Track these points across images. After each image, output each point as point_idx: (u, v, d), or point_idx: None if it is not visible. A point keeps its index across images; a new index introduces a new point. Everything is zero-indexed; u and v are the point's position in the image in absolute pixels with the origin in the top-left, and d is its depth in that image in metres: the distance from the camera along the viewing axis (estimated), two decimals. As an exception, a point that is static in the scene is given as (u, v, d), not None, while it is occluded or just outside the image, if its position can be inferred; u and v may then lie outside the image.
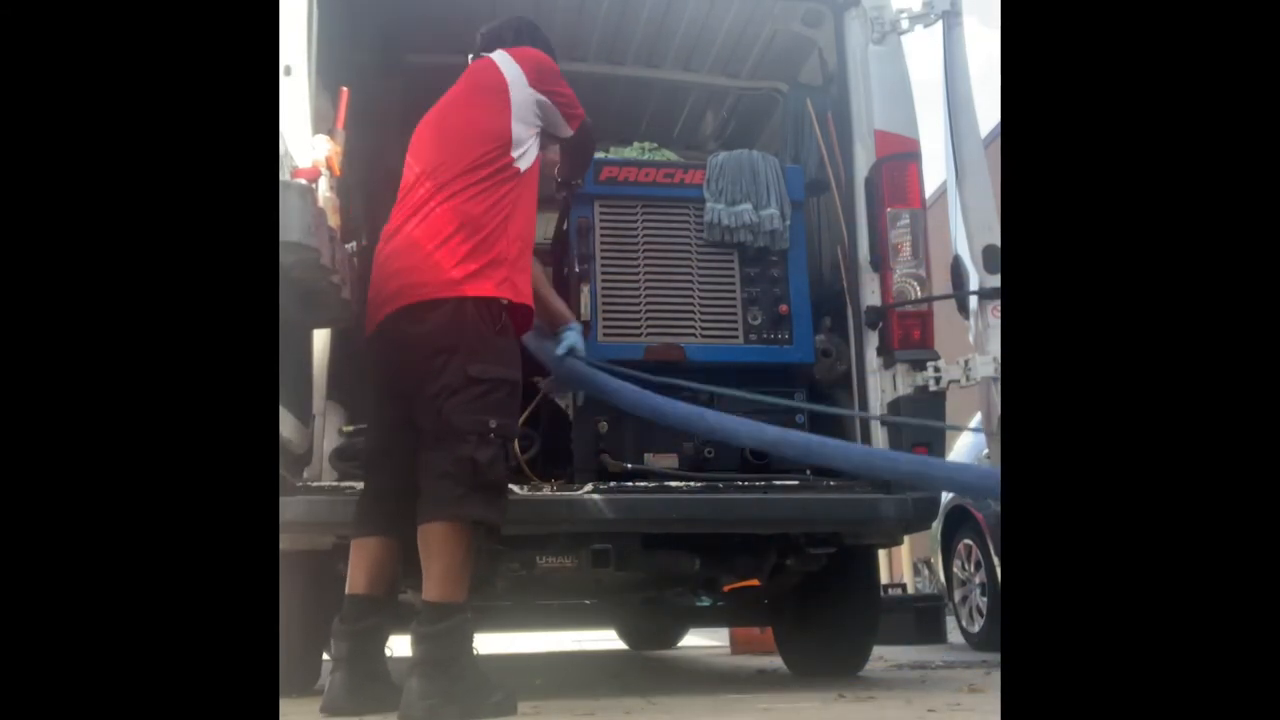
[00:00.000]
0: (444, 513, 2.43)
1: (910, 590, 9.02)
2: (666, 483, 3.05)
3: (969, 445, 5.82)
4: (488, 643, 6.44)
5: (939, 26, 3.27)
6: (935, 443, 3.13)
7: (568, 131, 2.89)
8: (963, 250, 3.16)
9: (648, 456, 3.19)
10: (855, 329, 3.30)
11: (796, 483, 3.20)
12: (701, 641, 6.85)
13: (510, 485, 2.93)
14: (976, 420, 5.39)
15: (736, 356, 3.39)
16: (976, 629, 5.61)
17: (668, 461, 3.21)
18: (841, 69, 3.41)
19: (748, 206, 3.41)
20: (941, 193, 4.96)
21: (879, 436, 3.16)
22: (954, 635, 6.33)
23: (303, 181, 2.47)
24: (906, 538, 3.71)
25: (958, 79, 3.23)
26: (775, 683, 3.66)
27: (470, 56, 2.98)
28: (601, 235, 3.35)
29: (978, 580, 5.61)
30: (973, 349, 3.09)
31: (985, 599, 5.48)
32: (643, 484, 3.04)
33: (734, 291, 3.43)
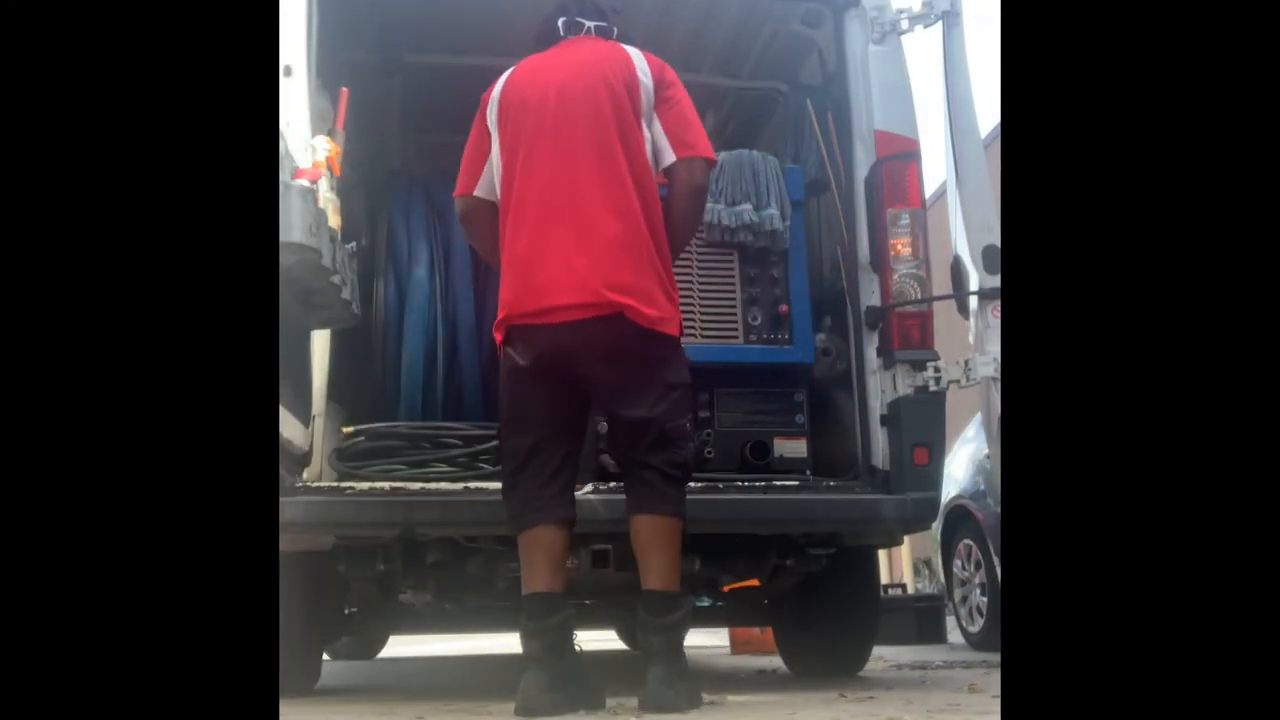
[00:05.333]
0: (674, 509, 2.52)
1: (910, 590, 9.02)
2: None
3: (969, 449, 5.82)
4: (488, 644, 6.45)
5: (939, 26, 3.27)
6: (934, 443, 3.14)
7: None
8: (963, 250, 3.15)
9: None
10: (855, 329, 3.29)
11: (796, 483, 3.20)
12: (701, 641, 6.85)
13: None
14: (977, 421, 5.41)
15: (737, 356, 3.39)
16: (976, 629, 5.61)
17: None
18: (841, 69, 3.40)
19: (748, 206, 3.41)
20: (941, 193, 4.96)
21: (879, 437, 3.16)
22: (954, 635, 6.33)
23: (304, 182, 2.47)
24: (906, 538, 3.71)
25: (958, 79, 3.23)
26: (775, 683, 3.66)
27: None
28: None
29: (978, 580, 5.61)
30: (973, 349, 3.09)
31: (985, 599, 5.48)
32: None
33: (734, 291, 3.44)
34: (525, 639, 2.48)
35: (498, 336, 2.63)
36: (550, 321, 2.50)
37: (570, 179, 2.56)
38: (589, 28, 2.78)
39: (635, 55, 2.70)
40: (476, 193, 2.70)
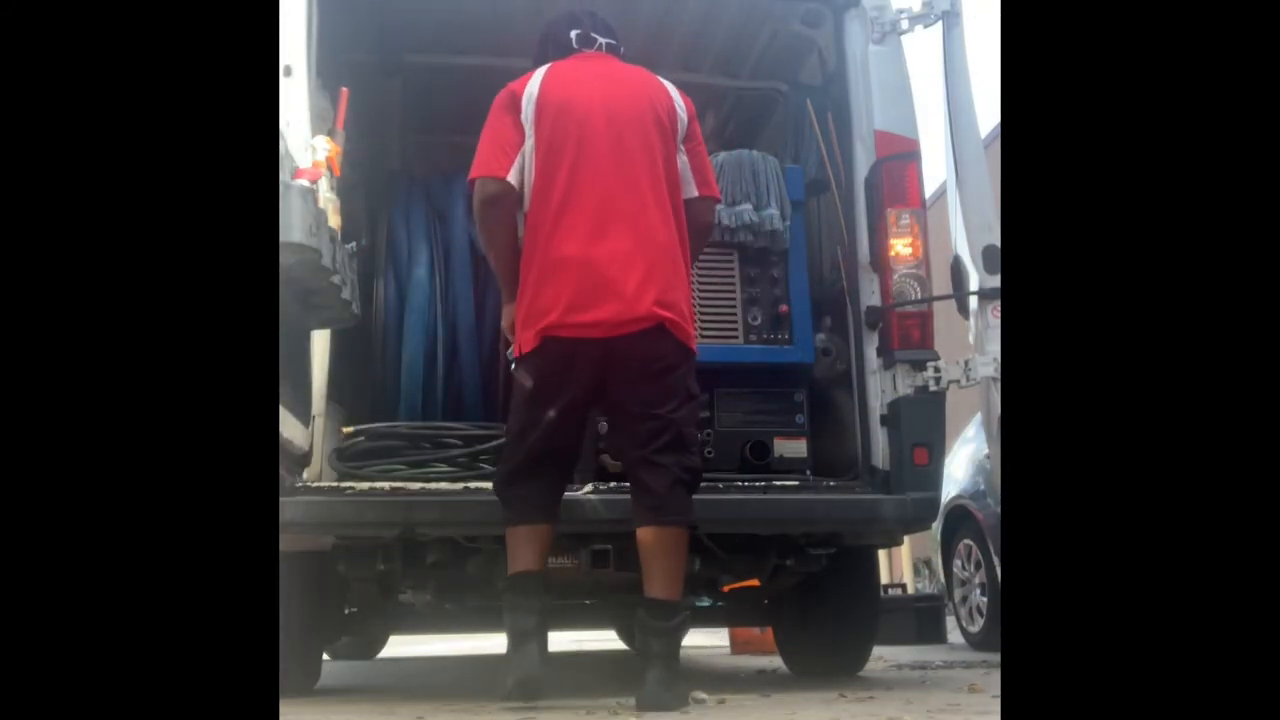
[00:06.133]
0: (683, 519, 2.60)
1: (910, 590, 9.01)
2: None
3: (969, 449, 5.82)
4: (488, 644, 6.45)
5: (939, 26, 3.27)
6: (934, 443, 3.13)
7: None
8: (963, 250, 3.16)
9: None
10: (855, 329, 3.29)
11: (796, 483, 3.20)
12: (701, 641, 6.85)
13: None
14: (977, 421, 5.41)
15: (737, 356, 3.39)
16: (976, 629, 5.61)
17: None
18: (841, 69, 3.40)
19: (748, 206, 3.41)
20: (941, 193, 4.95)
21: (879, 437, 3.16)
22: (954, 635, 6.33)
23: (304, 182, 2.47)
24: (906, 538, 3.71)
25: (958, 79, 3.23)
26: (775, 683, 3.67)
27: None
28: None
29: (978, 580, 5.61)
30: (973, 349, 3.09)
31: (985, 599, 5.48)
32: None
33: (734, 291, 3.44)
34: (517, 615, 2.53)
35: (530, 336, 2.63)
36: (597, 335, 2.57)
37: (625, 197, 2.64)
38: (601, 44, 2.86)
39: (670, 87, 2.84)
40: (509, 178, 2.69)
